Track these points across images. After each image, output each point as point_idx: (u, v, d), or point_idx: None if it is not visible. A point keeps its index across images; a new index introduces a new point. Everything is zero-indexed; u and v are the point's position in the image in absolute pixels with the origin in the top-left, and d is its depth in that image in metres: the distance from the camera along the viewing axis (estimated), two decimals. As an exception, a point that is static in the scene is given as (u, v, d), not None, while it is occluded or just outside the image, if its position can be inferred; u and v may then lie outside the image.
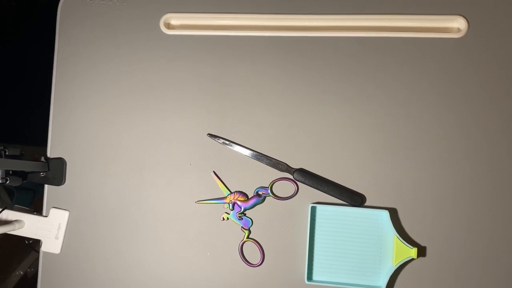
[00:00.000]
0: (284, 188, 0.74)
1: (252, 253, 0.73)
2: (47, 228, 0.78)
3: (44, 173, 0.78)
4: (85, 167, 0.78)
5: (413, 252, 0.67)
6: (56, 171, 0.78)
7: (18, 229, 0.77)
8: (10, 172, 0.71)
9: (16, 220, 0.78)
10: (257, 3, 0.78)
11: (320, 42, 0.76)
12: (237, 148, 0.75)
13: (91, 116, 0.80)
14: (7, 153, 0.71)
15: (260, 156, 0.74)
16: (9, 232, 0.77)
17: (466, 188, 0.71)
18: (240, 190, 0.74)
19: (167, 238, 0.75)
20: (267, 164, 0.74)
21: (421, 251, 0.70)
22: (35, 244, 1.27)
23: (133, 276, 0.76)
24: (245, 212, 0.74)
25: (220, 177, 0.75)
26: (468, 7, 0.74)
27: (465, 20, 0.73)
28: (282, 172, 0.74)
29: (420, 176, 0.72)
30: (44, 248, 0.78)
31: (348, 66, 0.75)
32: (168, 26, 0.80)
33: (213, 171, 0.75)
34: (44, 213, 0.79)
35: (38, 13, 1.59)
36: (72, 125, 0.80)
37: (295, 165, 0.74)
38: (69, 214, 0.78)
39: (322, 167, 0.73)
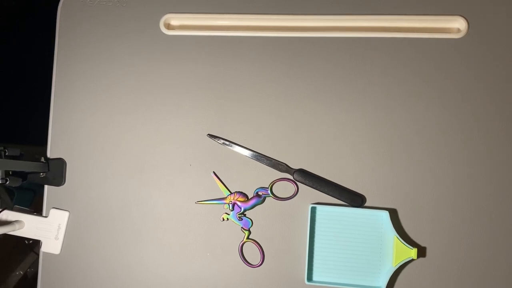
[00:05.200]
0: (284, 188, 0.74)
1: (252, 253, 0.73)
2: (47, 229, 0.78)
3: (44, 174, 0.78)
4: (85, 167, 0.78)
5: (413, 252, 0.67)
6: (56, 172, 0.78)
7: (18, 229, 0.77)
8: (10, 172, 0.71)
9: (16, 221, 0.78)
10: (257, 4, 0.78)
11: (320, 42, 0.76)
12: (237, 149, 0.75)
13: (91, 116, 0.80)
14: (7, 154, 0.71)
15: (260, 157, 0.74)
16: (9, 233, 0.77)
17: (466, 189, 0.71)
18: (240, 191, 0.74)
19: (167, 238, 0.75)
20: (267, 165, 0.74)
21: (421, 252, 0.70)
22: (34, 245, 1.27)
23: (133, 276, 0.76)
24: (245, 213, 0.74)
25: (220, 178, 0.75)
26: (468, 7, 0.74)
27: (465, 20, 0.73)
28: (282, 173, 0.74)
29: (420, 176, 0.72)
30: (44, 248, 0.78)
31: (348, 67, 0.75)
32: (168, 26, 0.80)
33: (213, 172, 0.75)
34: (44, 214, 0.79)
35: (38, 13, 1.59)
36: (72, 125, 0.80)
37: (295, 165, 0.74)
38: (69, 215, 0.78)
39: (322, 168, 0.73)
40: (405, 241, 0.68)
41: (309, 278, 0.70)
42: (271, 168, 0.74)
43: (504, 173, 0.70)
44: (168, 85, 0.78)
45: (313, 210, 0.72)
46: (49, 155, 0.80)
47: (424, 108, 0.73)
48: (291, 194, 0.73)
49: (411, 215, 0.71)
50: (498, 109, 0.71)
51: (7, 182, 0.70)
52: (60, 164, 0.78)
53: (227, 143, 0.75)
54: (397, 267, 0.68)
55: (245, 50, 0.77)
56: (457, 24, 0.74)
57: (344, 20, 0.76)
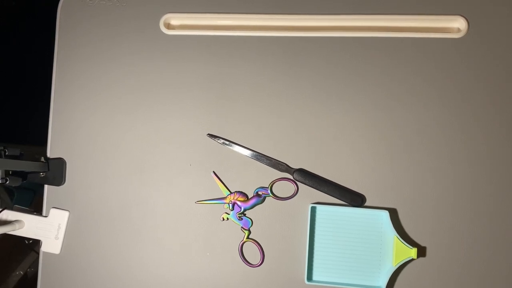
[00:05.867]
0: (284, 188, 0.74)
1: (252, 253, 0.73)
2: (47, 228, 0.77)
3: (44, 173, 0.78)
4: (85, 167, 0.78)
5: (413, 252, 0.67)
6: (56, 171, 0.78)
7: (18, 229, 0.77)
8: (10, 172, 0.71)
9: (16, 220, 0.78)
10: (257, 4, 0.78)
11: (320, 42, 0.76)
12: (237, 148, 0.75)
13: (91, 116, 0.80)
14: (7, 153, 0.71)
15: (260, 156, 0.74)
16: (9, 232, 0.77)
17: (466, 188, 0.71)
18: (240, 190, 0.74)
19: (167, 238, 0.75)
20: (267, 164, 0.74)
21: (421, 251, 0.70)
22: (34, 244, 1.27)
23: (133, 276, 0.76)
24: (245, 212, 0.74)
25: (220, 177, 0.75)
26: (468, 7, 0.74)
27: (465, 20, 0.73)
28: (282, 172, 0.74)
29: (420, 176, 0.71)
30: (44, 248, 0.78)
31: (348, 67, 0.75)
32: (168, 26, 0.80)
33: (213, 171, 0.75)
34: (44, 213, 0.79)
35: (38, 13, 1.59)
36: (72, 125, 0.80)
37: (295, 165, 0.74)
38: (69, 214, 0.78)
39: (322, 167, 0.73)
40: (405, 240, 0.68)
41: (309, 277, 0.70)
42: (271, 168, 0.74)
43: (504, 173, 0.70)
44: (168, 85, 0.78)
45: (313, 210, 0.72)
46: (49, 155, 0.80)
47: (424, 108, 0.73)
48: (291, 194, 0.73)
49: (411, 215, 0.71)
50: (498, 109, 0.71)
51: (7, 182, 0.70)
52: (60, 164, 0.78)
53: (227, 142, 0.75)
54: (397, 266, 0.68)
55: (245, 50, 0.77)
56: (457, 24, 0.74)
57: (344, 19, 0.76)
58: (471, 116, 0.72)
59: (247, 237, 0.73)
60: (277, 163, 0.74)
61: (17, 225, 0.77)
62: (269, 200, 0.74)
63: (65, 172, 0.78)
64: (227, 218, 0.74)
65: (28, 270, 1.34)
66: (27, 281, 1.32)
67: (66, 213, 0.78)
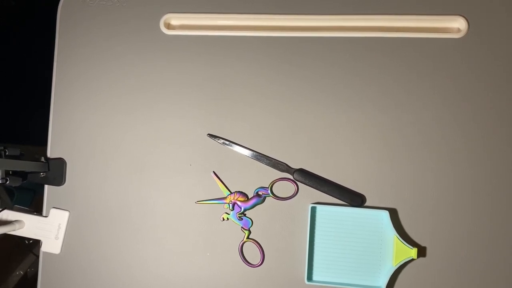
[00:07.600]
0: (284, 188, 0.74)
1: (252, 253, 0.73)
2: (47, 228, 0.78)
3: (44, 173, 0.78)
4: (85, 167, 0.79)
5: (413, 252, 0.67)
6: (56, 172, 0.78)
7: (18, 229, 0.77)
8: (10, 172, 0.71)
9: (16, 220, 0.78)
10: (257, 4, 0.78)
11: (319, 42, 0.76)
12: (237, 148, 0.75)
13: (91, 116, 0.80)
14: (7, 153, 0.71)
15: (260, 156, 0.74)
16: (9, 233, 0.77)
17: (466, 188, 0.71)
18: (240, 190, 0.74)
19: (167, 238, 0.75)
20: (267, 164, 0.74)
21: (421, 252, 0.70)
22: (33, 246, 1.27)
23: (133, 276, 0.76)
24: (245, 213, 0.74)
25: (220, 177, 0.75)
26: (468, 7, 0.74)
27: (465, 20, 0.73)
28: (282, 172, 0.74)
29: (420, 176, 0.71)
30: (44, 248, 0.78)
31: (347, 67, 0.75)
32: (168, 26, 0.80)
33: (213, 171, 0.75)
34: (44, 213, 0.79)
35: (38, 13, 1.59)
36: (72, 125, 0.80)
37: (295, 165, 0.74)
38: (69, 214, 0.78)
39: (322, 167, 0.73)
40: (405, 240, 0.68)
41: (309, 277, 0.70)
42: (271, 168, 0.74)
43: (504, 173, 0.70)
44: (168, 85, 0.78)
45: (313, 210, 0.72)
46: (49, 155, 0.80)
47: (424, 108, 0.73)
48: (291, 194, 0.73)
49: (411, 215, 0.71)
50: (498, 109, 0.71)
51: (7, 182, 0.70)
52: (60, 164, 0.78)
53: (227, 142, 0.75)
54: (397, 266, 0.68)
55: (245, 50, 0.77)
56: (457, 24, 0.74)
57: (344, 20, 0.76)
58: (471, 116, 0.72)
59: (247, 237, 0.73)
60: (277, 163, 0.74)
61: (17, 225, 0.77)
62: (269, 200, 0.74)
63: (65, 172, 0.78)
64: (227, 218, 0.74)
65: (28, 270, 1.34)
66: (27, 281, 1.32)
67: (66, 213, 0.78)
